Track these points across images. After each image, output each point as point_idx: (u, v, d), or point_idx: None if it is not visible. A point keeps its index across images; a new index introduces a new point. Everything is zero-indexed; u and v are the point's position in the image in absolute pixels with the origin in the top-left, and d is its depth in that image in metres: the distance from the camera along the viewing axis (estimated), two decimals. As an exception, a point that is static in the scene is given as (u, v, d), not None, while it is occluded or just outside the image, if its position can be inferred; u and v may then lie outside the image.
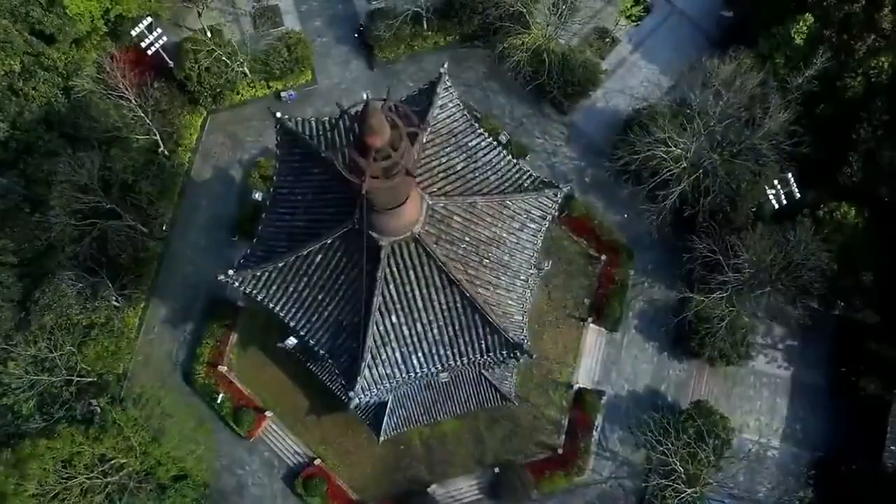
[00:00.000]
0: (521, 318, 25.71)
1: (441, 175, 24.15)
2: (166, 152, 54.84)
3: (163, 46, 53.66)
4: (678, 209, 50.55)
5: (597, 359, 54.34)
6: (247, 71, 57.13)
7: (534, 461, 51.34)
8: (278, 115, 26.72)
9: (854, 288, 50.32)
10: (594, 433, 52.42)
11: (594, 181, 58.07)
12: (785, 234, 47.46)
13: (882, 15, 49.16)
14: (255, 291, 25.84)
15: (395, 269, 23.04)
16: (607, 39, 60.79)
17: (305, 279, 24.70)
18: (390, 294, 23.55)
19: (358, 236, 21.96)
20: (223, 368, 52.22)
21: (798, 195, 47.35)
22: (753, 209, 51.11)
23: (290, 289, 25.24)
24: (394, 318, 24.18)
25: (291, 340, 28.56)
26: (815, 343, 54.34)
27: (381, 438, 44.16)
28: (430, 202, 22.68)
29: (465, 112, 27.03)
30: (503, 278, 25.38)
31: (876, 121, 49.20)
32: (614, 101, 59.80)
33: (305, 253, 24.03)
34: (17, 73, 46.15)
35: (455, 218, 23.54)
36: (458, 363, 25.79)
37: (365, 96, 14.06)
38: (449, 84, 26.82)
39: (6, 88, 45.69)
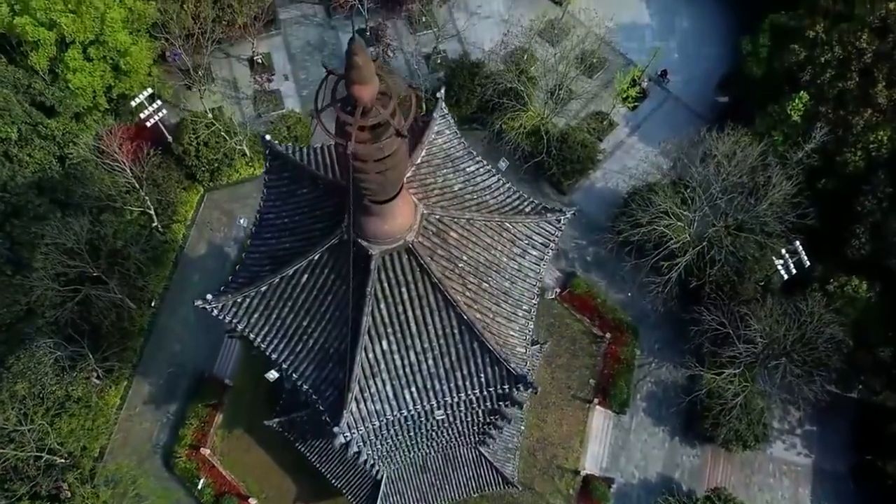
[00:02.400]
0: (523, 350, 23.59)
1: (437, 192, 22.84)
2: (160, 227, 53.94)
3: (163, 122, 54.02)
4: (683, 281, 48.97)
5: (604, 443, 51.02)
6: (246, 150, 57.25)
7: (539, 556, 47.14)
8: (268, 137, 25.82)
9: (871, 365, 48.06)
10: (604, 524, 48.48)
11: (595, 259, 56.87)
12: (796, 304, 45.65)
13: (877, 90, 49.61)
14: (235, 320, 23.88)
15: (386, 284, 21.25)
16: (605, 122, 61.43)
17: (290, 303, 22.82)
18: (381, 315, 21.62)
19: (347, 249, 20.38)
20: (206, 451, 48.85)
21: (808, 263, 45.88)
22: (762, 283, 49.55)
23: (274, 316, 23.31)
24: (384, 344, 22.09)
25: (273, 374, 26.22)
26: (835, 428, 51.43)
27: (374, 525, 40.48)
28: (425, 211, 21.21)
29: (463, 140, 26.11)
30: (504, 307, 23.50)
31: (880, 193, 48.64)
32: (613, 181, 59.62)
33: (291, 273, 22.29)
34: (13, 140, 45.90)
35: (451, 234, 22.00)
36: (455, 399, 23.40)
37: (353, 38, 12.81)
38: (446, 112, 26.08)
39: (1, 154, 45.32)
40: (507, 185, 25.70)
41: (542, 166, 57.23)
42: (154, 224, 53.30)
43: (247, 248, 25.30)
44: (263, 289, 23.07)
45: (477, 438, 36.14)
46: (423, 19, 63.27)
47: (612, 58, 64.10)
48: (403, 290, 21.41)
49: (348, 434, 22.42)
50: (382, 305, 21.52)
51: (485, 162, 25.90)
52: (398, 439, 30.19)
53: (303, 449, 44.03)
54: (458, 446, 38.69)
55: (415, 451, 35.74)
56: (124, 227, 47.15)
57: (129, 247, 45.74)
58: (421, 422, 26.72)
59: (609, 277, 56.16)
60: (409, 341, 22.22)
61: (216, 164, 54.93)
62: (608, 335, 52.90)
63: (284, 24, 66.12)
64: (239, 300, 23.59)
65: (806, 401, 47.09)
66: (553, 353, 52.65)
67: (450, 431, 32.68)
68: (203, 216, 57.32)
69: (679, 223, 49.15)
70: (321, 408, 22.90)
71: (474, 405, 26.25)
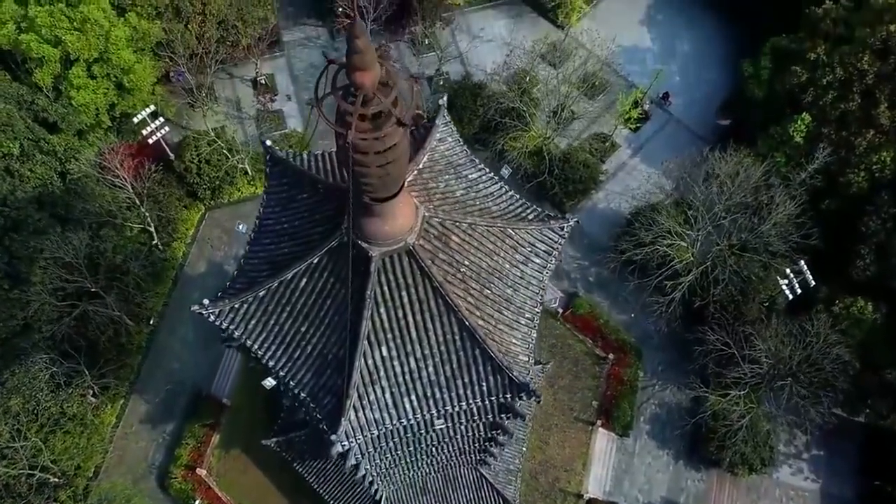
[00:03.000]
0: (526, 359, 23.08)
1: (438, 196, 22.53)
2: (160, 245, 53.69)
3: (165, 140, 54.04)
4: (687, 301, 48.48)
5: (607, 466, 50.11)
6: (248, 168, 57.27)
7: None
8: (268, 143, 25.62)
9: (878, 387, 47.33)
10: (608, 550, 47.45)
11: (598, 280, 56.46)
12: (802, 325, 45.10)
13: (879, 111, 49.57)
14: (232, 327, 23.40)
15: (386, 288, 20.84)
16: (607, 143, 61.43)
17: (288, 308, 22.38)
18: (381, 319, 21.18)
19: (347, 252, 20.02)
20: (202, 471, 47.95)
21: (813, 283, 45.44)
22: (766, 303, 49.05)
23: (272, 322, 22.85)
24: (384, 350, 21.61)
25: (270, 381, 25.68)
26: (843, 452, 50.59)
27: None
28: (426, 214, 20.88)
29: (466, 148, 25.91)
30: (506, 314, 23.05)
31: (884, 214, 48.39)
32: (616, 202, 59.44)
33: (290, 277, 21.90)
34: (15, 155, 45.86)
35: (453, 238, 21.65)
36: (456, 408, 22.84)
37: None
38: (448, 120, 25.90)
39: (2, 169, 45.24)
40: (510, 193, 25.42)
41: (545, 186, 57.12)
42: (154, 241, 53.08)
43: (245, 255, 24.92)
44: (261, 294, 22.65)
45: (478, 457, 35.35)
46: (426, 41, 63.64)
47: (614, 80, 64.29)
48: (404, 293, 20.98)
49: (346, 443, 21.83)
50: (382, 310, 21.07)
51: (487, 170, 25.63)
52: (397, 454, 29.51)
53: (301, 470, 43.31)
54: (459, 466, 37.93)
55: (415, 470, 34.96)
56: (124, 242, 46.96)
57: (129, 262, 45.43)
58: (421, 434, 26.04)
59: (612, 298, 55.70)
60: (409, 347, 21.74)
61: (217, 182, 54.85)
62: (611, 356, 52.28)
63: (288, 45, 66.60)
64: (236, 306, 23.16)
65: (813, 423, 46.33)
66: (555, 374, 51.98)
67: (450, 447, 31.97)
68: (204, 234, 57.08)
69: (682, 243, 48.87)
70: (319, 416, 22.35)
71: (475, 417, 25.62)
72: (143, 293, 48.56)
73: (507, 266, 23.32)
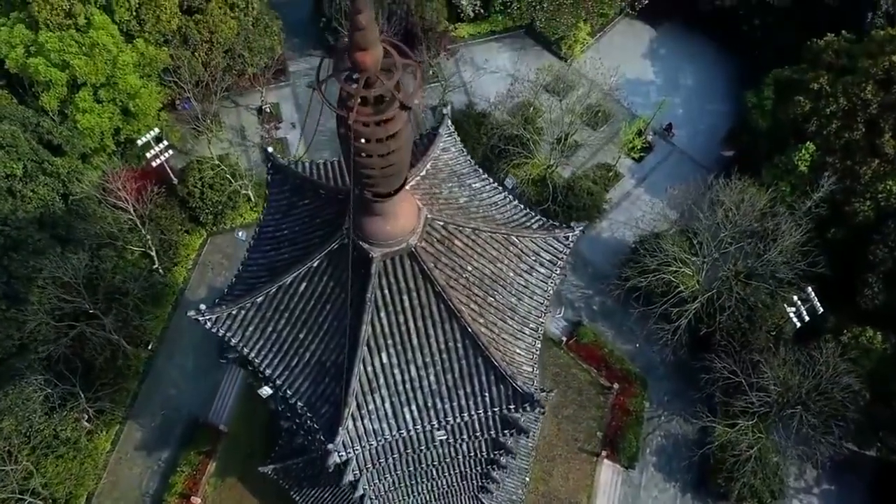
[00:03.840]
0: (530, 369, 22.45)
1: (441, 201, 22.15)
2: (161, 269, 53.32)
3: (168, 165, 54.09)
4: (693, 328, 47.74)
5: (612, 499, 48.77)
6: (251, 194, 57.22)
7: None
8: (270, 149, 25.39)
9: (889, 420, 46.21)
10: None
11: (602, 309, 55.82)
12: (810, 353, 44.28)
13: (884, 140, 49.54)
14: (229, 334, 22.84)
15: (387, 291, 20.33)
16: (611, 173, 61.36)
17: (287, 314, 21.85)
18: (381, 324, 20.62)
19: (347, 255, 19.60)
20: (197, 500, 46.73)
21: (821, 310, 44.74)
22: (773, 332, 48.25)
23: (269, 328, 22.28)
24: (384, 357, 21.00)
25: (266, 389, 24.96)
26: (854, 487, 49.34)
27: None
28: (429, 216, 20.47)
29: (470, 158, 25.66)
30: (511, 323, 22.49)
31: (891, 243, 47.91)
32: (620, 232, 59.13)
33: (289, 281, 21.42)
34: (18, 176, 45.79)
35: (456, 242, 21.22)
36: (458, 420, 22.10)
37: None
38: (452, 130, 25.71)
39: (4, 190, 45.12)
40: (514, 202, 25.06)
41: (548, 214, 56.25)
42: (155, 266, 52.70)
43: (244, 261, 24.48)
44: (259, 300, 22.15)
45: (479, 482, 34.33)
46: (431, 72, 64.17)
47: (618, 111, 64.59)
48: (405, 297, 20.47)
49: (343, 453, 21.07)
50: (383, 314, 20.54)
51: (491, 180, 25.35)
52: (397, 474, 28.57)
53: (298, 499, 42.17)
54: (460, 493, 36.80)
55: (414, 496, 33.92)
56: (124, 264, 46.52)
57: (128, 283, 44.95)
58: (422, 450, 25.21)
59: (616, 328, 54.98)
60: (409, 355, 21.14)
61: (220, 207, 54.72)
62: (616, 385, 51.31)
63: (294, 75, 67.23)
64: (234, 312, 22.63)
65: (823, 456, 45.08)
66: (559, 404, 51.02)
67: (451, 469, 31.06)
68: (205, 259, 56.75)
69: (687, 270, 48.33)
70: (316, 426, 21.63)
71: (478, 432, 24.90)
72: (143, 316, 47.93)
73: (512, 274, 22.83)
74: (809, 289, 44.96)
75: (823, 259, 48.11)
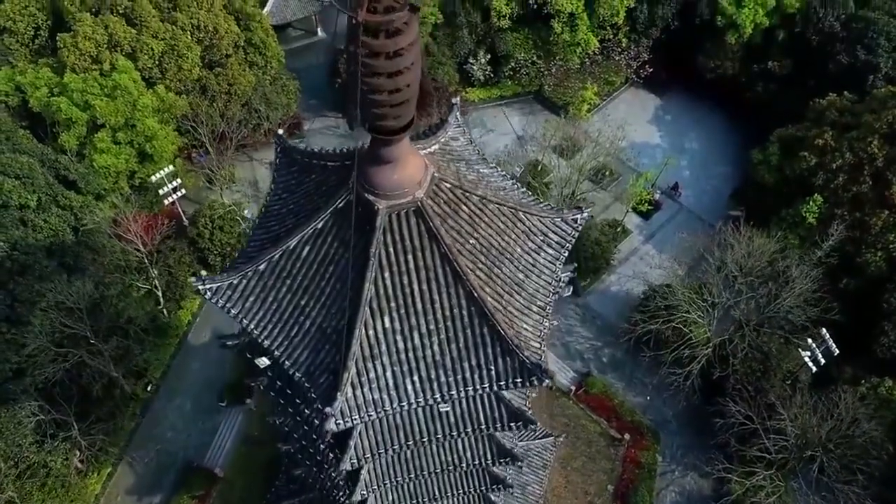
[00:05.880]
0: (538, 345, 21.66)
1: (451, 174, 22.00)
2: (165, 310, 52.90)
3: (180, 208, 54.68)
4: (706, 372, 46.43)
5: (625, 557, 46.00)
6: (260, 240, 57.29)
7: None
8: (280, 131, 25.60)
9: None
10: None
11: (612, 361, 54.61)
12: (829, 395, 42.78)
13: (892, 192, 49.72)
14: (229, 305, 22.24)
15: (391, 249, 19.91)
16: (619, 229, 61.43)
17: (289, 281, 21.34)
18: (384, 285, 20.07)
19: (352, 211, 19.42)
20: (186, 546, 44.52)
21: (836, 351, 43.54)
22: (789, 381, 46.83)
23: (270, 298, 21.72)
24: (386, 321, 20.33)
25: (264, 360, 24.04)
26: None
27: None
28: (437, 174, 20.34)
29: (479, 149, 25.81)
30: (517, 299, 21.88)
31: (906, 291, 47.24)
32: (628, 286, 58.59)
33: (293, 245, 21.08)
34: (31, 207, 46.33)
35: (463, 207, 20.94)
36: (462, 394, 21.17)
37: None
38: (461, 122, 25.98)
39: (17, 219, 45.51)
40: (523, 189, 25.04)
41: (556, 266, 56.47)
42: (160, 306, 52.31)
43: (249, 237, 24.25)
44: (262, 267, 21.77)
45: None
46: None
47: (625, 172, 65.37)
48: (410, 257, 20.07)
49: (341, 421, 20.10)
50: (386, 274, 20.10)
51: (500, 169, 25.43)
52: (397, 481, 27.23)
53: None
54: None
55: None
56: (129, 301, 46.06)
57: (130, 310, 44.44)
58: (423, 443, 24.11)
59: (626, 380, 53.61)
60: (413, 320, 20.52)
61: (229, 249, 54.79)
62: (627, 436, 49.45)
63: (308, 133, 68.84)
64: (234, 282, 22.21)
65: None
66: (568, 456, 49.04)
67: (455, 491, 29.71)
68: (210, 305, 56.12)
69: (698, 319, 47.48)
70: (314, 395, 20.77)
71: (482, 425, 24.00)
72: (143, 349, 47.09)
73: (519, 251, 22.47)
74: (823, 329, 43.90)
75: (837, 306, 47.39)
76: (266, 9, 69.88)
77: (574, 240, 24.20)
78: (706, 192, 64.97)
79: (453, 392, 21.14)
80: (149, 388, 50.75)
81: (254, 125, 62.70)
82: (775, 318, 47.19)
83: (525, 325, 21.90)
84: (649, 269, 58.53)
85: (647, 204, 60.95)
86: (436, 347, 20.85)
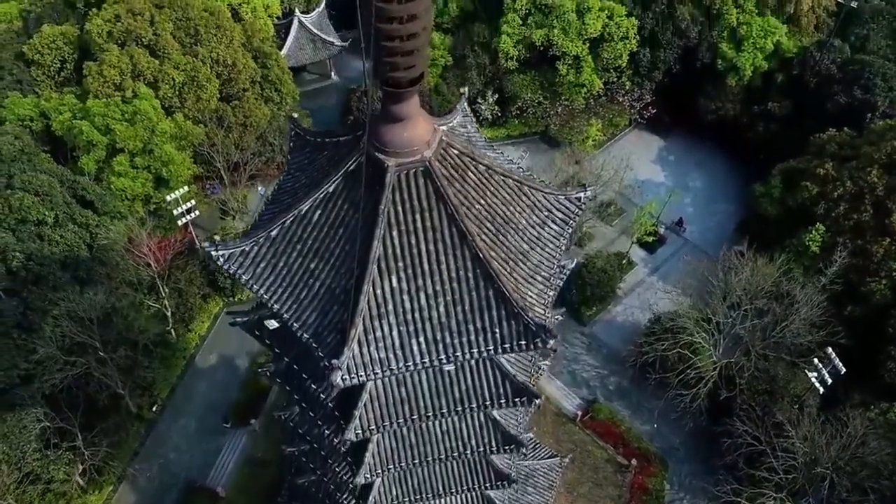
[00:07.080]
0: (542, 311, 22.03)
1: (459, 143, 22.79)
2: (173, 330, 53.34)
3: (192, 232, 55.75)
4: (713, 393, 46.20)
5: (633, 585, 44.83)
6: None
7: None
8: (294, 115, 26.62)
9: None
10: None
11: (618, 389, 54.41)
12: (837, 415, 42.44)
13: (893, 220, 50.36)
14: (241, 271, 22.75)
15: (400, 208, 20.57)
16: (624, 261, 62.00)
17: (299, 246, 21.94)
18: (392, 244, 20.66)
19: (363, 173, 20.25)
20: (184, 565, 43.72)
21: (843, 369, 43.35)
22: (796, 405, 46.47)
23: (280, 263, 22.27)
24: (394, 281, 20.83)
25: (272, 322, 24.39)
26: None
27: None
28: (445, 138, 21.22)
29: (486, 139, 26.80)
30: (522, 267, 22.38)
31: (911, 317, 47.34)
32: (635, 316, 58.83)
33: (305, 209, 21.80)
34: (49, 223, 47.45)
35: (470, 174, 21.72)
36: (467, 356, 21.46)
37: None
38: (468, 112, 26.98)
39: (34, 234, 46.58)
40: (530, 173, 25.88)
41: (562, 296, 56.97)
42: (168, 327, 52.73)
43: (262, 212, 25.05)
44: (274, 232, 22.47)
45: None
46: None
47: (630, 208, 66.32)
48: (417, 217, 20.75)
49: (347, 377, 20.44)
50: (395, 233, 20.75)
51: (506, 155, 26.37)
52: (402, 466, 27.20)
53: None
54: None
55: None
56: (137, 307, 46.68)
57: (139, 321, 44.93)
58: (428, 418, 24.26)
59: (632, 408, 53.27)
60: (420, 280, 21.06)
61: (239, 272, 55.41)
62: (634, 462, 48.84)
63: (319, 168, 70.23)
64: (246, 248, 22.82)
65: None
66: (574, 481, 48.38)
67: (457, 479, 29.61)
68: (219, 329, 56.65)
69: (704, 344, 47.58)
70: (321, 354, 21.15)
71: (487, 401, 24.26)
72: (151, 362, 47.35)
73: (524, 222, 23.13)
74: (830, 349, 43.88)
75: (843, 330, 47.42)
76: (283, 51, 72.60)
77: (578, 217, 24.82)
78: (710, 228, 65.81)
79: (458, 354, 21.46)
80: (154, 409, 50.74)
81: (267, 157, 64.33)
82: (781, 343, 47.15)
83: (529, 292, 22.36)
84: (655, 300, 58.91)
85: (652, 237, 61.64)
86: (442, 309, 21.31)
